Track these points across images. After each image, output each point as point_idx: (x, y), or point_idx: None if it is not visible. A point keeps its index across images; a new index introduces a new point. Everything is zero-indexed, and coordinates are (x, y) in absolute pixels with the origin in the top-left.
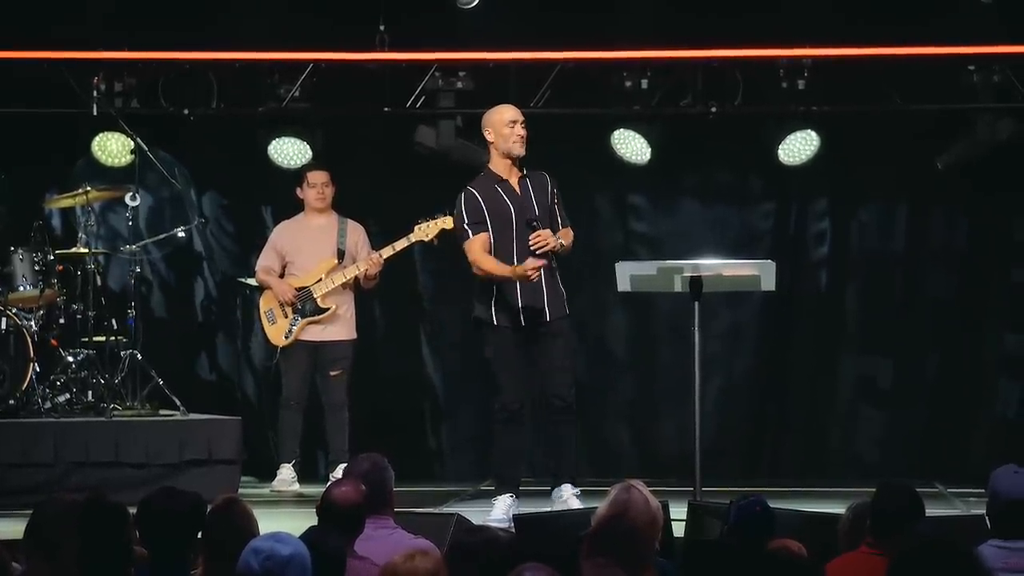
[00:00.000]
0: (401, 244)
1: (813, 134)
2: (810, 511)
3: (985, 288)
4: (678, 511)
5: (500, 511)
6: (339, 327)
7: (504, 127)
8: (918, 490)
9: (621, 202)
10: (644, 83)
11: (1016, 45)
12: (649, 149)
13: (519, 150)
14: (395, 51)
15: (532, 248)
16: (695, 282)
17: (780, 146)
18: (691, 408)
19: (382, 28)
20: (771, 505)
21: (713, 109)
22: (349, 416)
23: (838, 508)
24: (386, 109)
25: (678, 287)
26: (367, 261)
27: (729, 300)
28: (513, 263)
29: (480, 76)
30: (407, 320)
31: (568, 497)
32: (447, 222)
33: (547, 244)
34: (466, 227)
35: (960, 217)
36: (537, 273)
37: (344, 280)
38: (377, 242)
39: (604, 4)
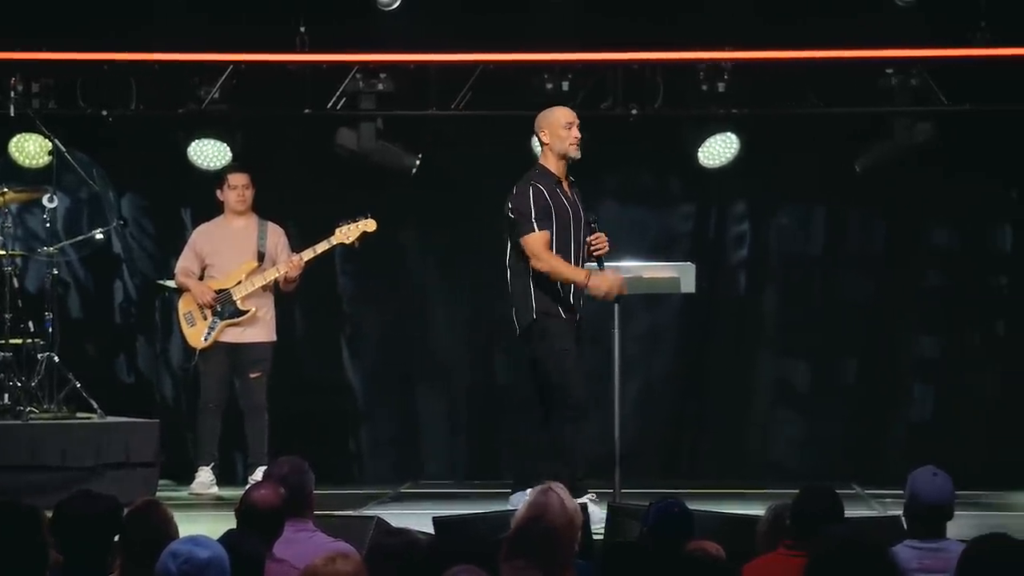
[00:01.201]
0: (322, 247)
1: (733, 137)
2: (728, 512)
3: (902, 291)
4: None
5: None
6: (258, 329)
7: (561, 129)
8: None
9: None
10: (565, 85)
11: (934, 48)
12: None
13: (575, 152)
14: (315, 52)
15: (592, 250)
16: None
17: (700, 148)
18: (610, 410)
19: (302, 29)
20: (689, 507)
21: (633, 111)
22: (268, 419)
23: (756, 510)
24: (306, 111)
25: None
26: (287, 263)
27: (648, 302)
28: (574, 264)
29: (401, 78)
30: (327, 322)
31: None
32: (368, 225)
33: (605, 247)
34: (533, 220)
35: (878, 220)
36: (606, 294)
37: (264, 282)
38: (297, 244)
39: (525, 6)
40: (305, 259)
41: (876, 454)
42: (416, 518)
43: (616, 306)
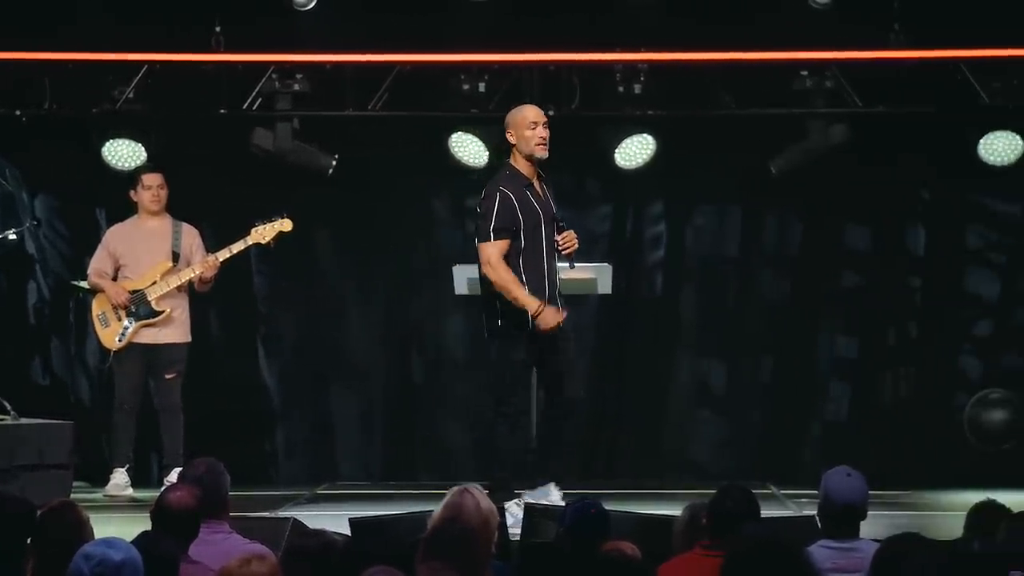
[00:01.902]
0: (238, 247)
1: (649, 138)
2: (645, 513)
3: (817, 292)
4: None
5: (557, 496)
6: (173, 330)
7: (525, 129)
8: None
9: (459, 205)
10: (481, 86)
11: (848, 51)
12: (487, 152)
13: (541, 152)
14: (231, 52)
15: (560, 248)
16: None
17: (617, 150)
18: (528, 410)
19: (218, 29)
20: (607, 507)
21: (550, 112)
22: (184, 420)
23: (673, 510)
24: (222, 111)
25: None
26: (203, 264)
27: (566, 303)
28: (543, 265)
29: (317, 78)
30: (242, 323)
31: (554, 496)
32: (284, 225)
33: (574, 245)
34: (491, 229)
35: (793, 221)
36: (553, 328)
37: (179, 283)
38: (213, 244)
39: (442, 6)
40: (221, 259)
41: (792, 454)
42: (332, 519)
43: None
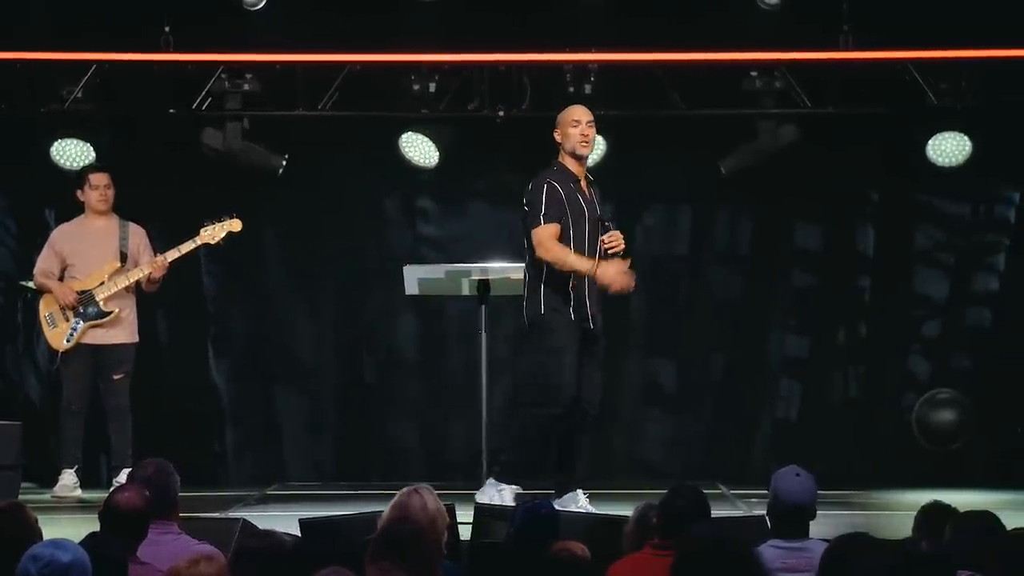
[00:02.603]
0: (187, 247)
1: (599, 138)
2: (596, 512)
3: (768, 291)
4: (465, 514)
5: (584, 501)
6: (121, 330)
7: (569, 126)
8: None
9: (409, 205)
10: (432, 86)
11: (797, 51)
12: (437, 152)
13: (583, 150)
14: (181, 52)
15: (606, 248)
16: (483, 285)
17: None
18: (478, 410)
19: (167, 29)
20: (557, 507)
21: (501, 113)
22: (132, 420)
23: (623, 510)
24: (171, 111)
25: (466, 290)
26: (152, 264)
27: (518, 303)
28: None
29: (267, 78)
30: (191, 323)
31: (583, 504)
32: (233, 225)
33: (620, 246)
34: (542, 214)
35: (744, 221)
36: (617, 287)
37: (127, 283)
38: (162, 244)
39: (392, 6)
40: (170, 259)
41: (742, 453)
42: (282, 520)
43: (484, 307)
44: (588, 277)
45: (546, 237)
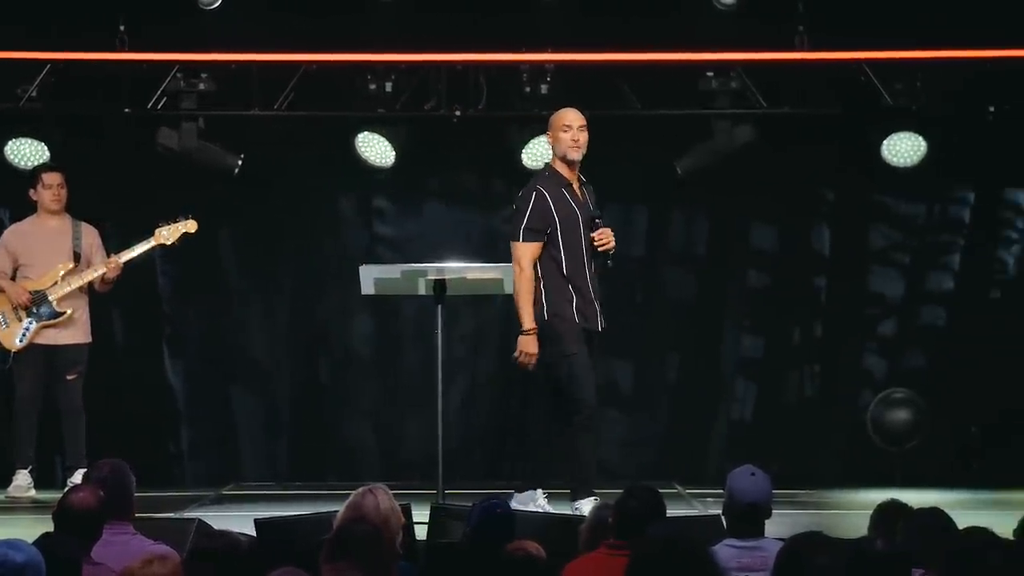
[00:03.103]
0: (141, 247)
1: None
2: (552, 512)
3: (723, 291)
4: (421, 514)
5: (543, 500)
6: (74, 330)
7: (560, 131)
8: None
9: (366, 205)
10: (388, 86)
11: (753, 52)
12: (393, 152)
13: (573, 155)
14: (136, 51)
15: (596, 245)
16: (439, 285)
17: (524, 150)
18: (434, 410)
19: (122, 28)
20: (516, 506)
21: (457, 113)
22: (86, 420)
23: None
24: (126, 110)
25: (422, 290)
26: (106, 264)
27: (473, 303)
28: (584, 264)
29: (223, 77)
30: (146, 323)
31: (541, 500)
32: (188, 226)
33: (610, 243)
34: (522, 229)
35: (700, 221)
36: (527, 364)
37: (81, 283)
38: (117, 244)
39: (348, 6)
40: (124, 260)
41: (698, 453)
42: (237, 520)
43: (440, 307)
44: (588, 274)
45: (523, 259)
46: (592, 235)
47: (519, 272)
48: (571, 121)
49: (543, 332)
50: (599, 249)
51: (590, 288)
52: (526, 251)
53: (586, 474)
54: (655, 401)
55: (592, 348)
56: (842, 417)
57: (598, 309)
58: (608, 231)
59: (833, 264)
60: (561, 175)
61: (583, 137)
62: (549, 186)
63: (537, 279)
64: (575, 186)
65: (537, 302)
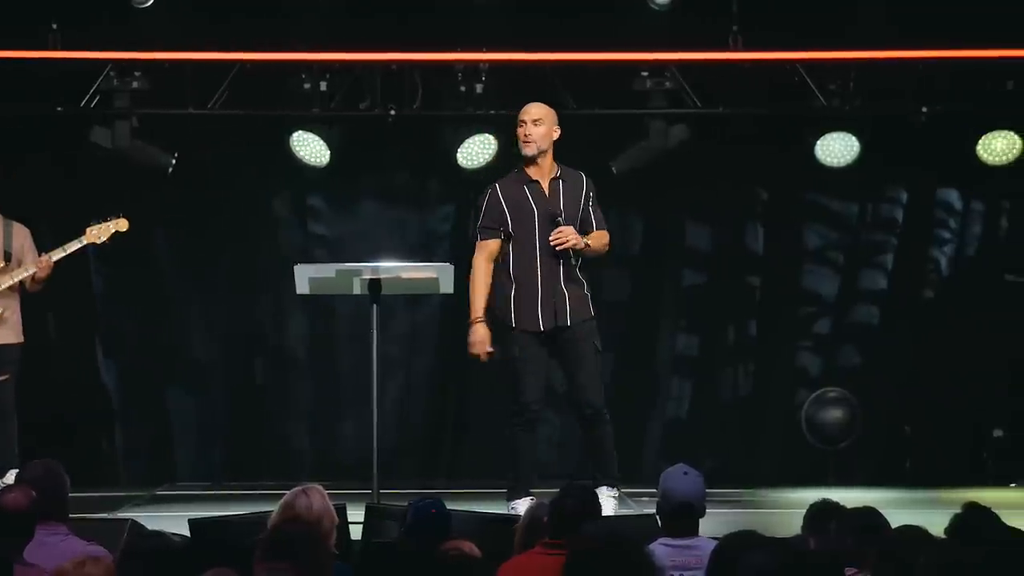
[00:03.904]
0: (72, 246)
1: (491, 138)
2: (488, 512)
3: (658, 290)
4: (357, 514)
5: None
6: (6, 331)
7: (516, 127)
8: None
9: (300, 204)
10: (323, 85)
11: (687, 52)
12: (328, 151)
13: (524, 151)
14: (69, 50)
15: (552, 244)
16: (374, 284)
17: (459, 149)
18: (370, 410)
19: (55, 26)
20: (449, 507)
21: (392, 112)
22: (17, 421)
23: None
24: (59, 109)
25: (357, 289)
26: (37, 264)
27: (409, 302)
28: (536, 264)
29: (156, 76)
30: (80, 322)
31: (604, 500)
32: (120, 224)
33: (567, 241)
34: (477, 228)
35: (635, 220)
36: (476, 355)
37: (11, 283)
38: (49, 244)
39: (283, 5)
40: (55, 259)
41: (633, 452)
42: (172, 520)
43: (375, 306)
44: (542, 273)
45: (476, 256)
46: (550, 236)
47: (473, 269)
48: (521, 116)
49: (496, 330)
50: (557, 248)
51: (540, 287)
52: (478, 248)
53: (521, 474)
54: None
55: (558, 346)
56: (776, 416)
57: (556, 308)
58: (568, 229)
59: (768, 263)
60: (526, 172)
61: (534, 131)
62: (507, 184)
63: (503, 277)
64: (543, 183)
65: (493, 299)
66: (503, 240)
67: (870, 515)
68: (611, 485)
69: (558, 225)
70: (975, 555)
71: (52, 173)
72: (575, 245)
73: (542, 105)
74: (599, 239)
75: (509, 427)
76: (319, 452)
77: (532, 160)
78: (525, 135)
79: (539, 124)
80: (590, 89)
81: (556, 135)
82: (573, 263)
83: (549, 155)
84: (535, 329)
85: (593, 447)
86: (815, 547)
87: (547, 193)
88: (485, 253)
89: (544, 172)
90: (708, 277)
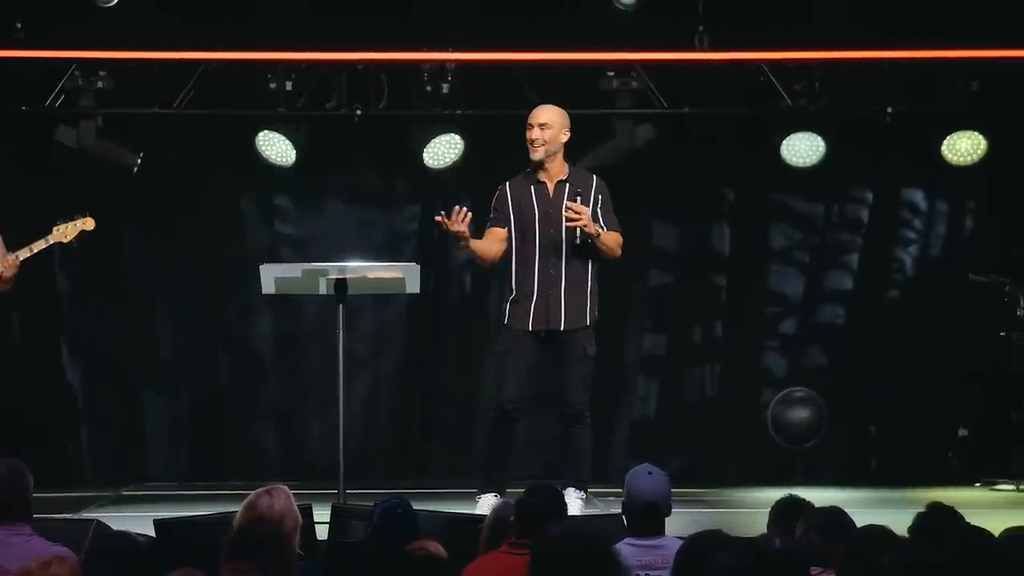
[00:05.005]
0: (39, 246)
1: (457, 137)
2: (454, 512)
3: (625, 290)
4: (323, 514)
5: (485, 510)
6: None
7: (526, 130)
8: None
9: (267, 204)
10: (289, 85)
11: (653, 52)
12: (294, 151)
13: (531, 155)
14: (33, 49)
15: (565, 216)
16: (340, 284)
17: (425, 149)
18: (336, 410)
19: (19, 25)
20: (416, 507)
21: (358, 112)
22: None
23: (482, 509)
24: (24, 108)
25: (323, 289)
26: (3, 263)
27: (375, 302)
28: (534, 264)
29: (122, 75)
30: (46, 322)
31: (571, 501)
32: (87, 223)
33: (579, 220)
34: (489, 218)
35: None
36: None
37: None
38: (15, 243)
39: (249, 4)
40: (21, 258)
41: (599, 452)
42: (137, 521)
43: (341, 306)
44: (539, 276)
45: (484, 238)
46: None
47: None
48: (529, 119)
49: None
50: (567, 225)
51: (536, 288)
52: (486, 233)
53: (490, 469)
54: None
55: (550, 349)
56: (742, 416)
57: (550, 312)
58: (582, 207)
59: (734, 263)
60: (534, 174)
61: (538, 135)
62: (515, 183)
63: (508, 276)
64: (550, 185)
65: (505, 302)
66: (508, 234)
67: (835, 515)
68: (579, 487)
69: (585, 239)
70: (940, 556)
71: (17, 173)
72: (585, 227)
73: (551, 108)
74: (612, 237)
75: (489, 421)
76: (286, 452)
77: (540, 163)
78: (532, 139)
79: (546, 128)
80: (556, 89)
81: (566, 138)
82: (577, 242)
83: (558, 157)
84: (523, 328)
85: (566, 448)
86: (780, 546)
87: (552, 195)
88: (491, 236)
89: (552, 174)
90: (675, 277)
